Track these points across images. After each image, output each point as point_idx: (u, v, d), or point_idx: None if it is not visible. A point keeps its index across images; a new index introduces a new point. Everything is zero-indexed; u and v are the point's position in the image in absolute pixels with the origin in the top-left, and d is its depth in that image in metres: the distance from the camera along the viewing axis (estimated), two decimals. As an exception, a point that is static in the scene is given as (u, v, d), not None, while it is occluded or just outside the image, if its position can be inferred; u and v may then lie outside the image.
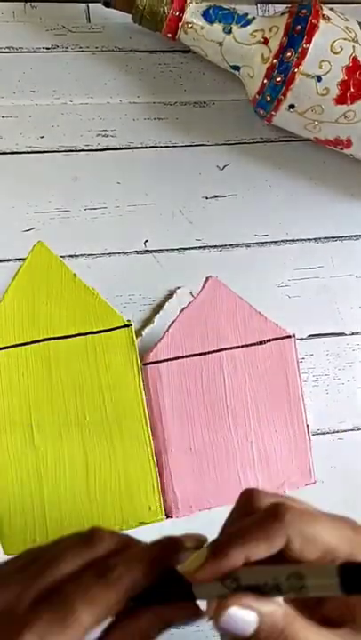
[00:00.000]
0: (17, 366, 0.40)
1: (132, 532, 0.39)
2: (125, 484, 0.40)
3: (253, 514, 0.25)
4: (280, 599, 0.24)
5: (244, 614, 0.23)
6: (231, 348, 0.42)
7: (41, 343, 0.40)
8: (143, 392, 0.41)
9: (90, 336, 0.41)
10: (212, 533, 0.27)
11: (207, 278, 0.43)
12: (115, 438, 0.41)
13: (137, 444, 0.41)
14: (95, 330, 0.41)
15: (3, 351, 0.40)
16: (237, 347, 0.43)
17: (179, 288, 0.45)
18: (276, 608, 0.23)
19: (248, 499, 0.26)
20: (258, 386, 0.43)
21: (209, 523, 0.28)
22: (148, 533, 0.41)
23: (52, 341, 0.40)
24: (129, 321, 0.42)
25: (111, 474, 0.40)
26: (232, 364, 0.42)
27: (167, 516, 0.41)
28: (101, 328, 0.41)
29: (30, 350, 0.40)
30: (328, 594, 0.24)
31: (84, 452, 0.40)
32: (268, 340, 0.43)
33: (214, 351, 0.42)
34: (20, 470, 0.39)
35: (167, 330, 0.42)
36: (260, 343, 0.43)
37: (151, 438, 0.41)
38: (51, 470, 0.40)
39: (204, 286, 0.43)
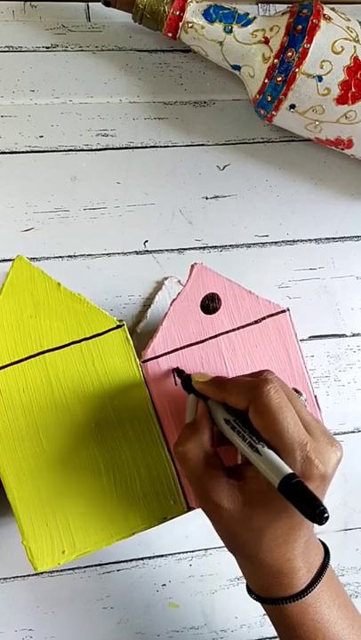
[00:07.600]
0: (16, 384, 0.39)
1: (156, 528, 0.39)
2: (146, 481, 0.40)
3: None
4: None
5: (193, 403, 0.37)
6: (228, 332, 0.41)
7: (37, 357, 0.40)
8: (147, 389, 0.41)
9: (84, 342, 0.40)
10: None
11: (192, 266, 0.42)
12: (126, 439, 0.40)
13: (149, 441, 0.40)
14: (88, 335, 0.40)
15: (0, 371, 0.39)
16: (234, 329, 0.42)
17: (166, 279, 0.44)
18: (205, 440, 0.35)
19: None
20: (260, 365, 0.42)
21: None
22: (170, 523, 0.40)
23: (48, 354, 0.40)
24: (121, 321, 0.41)
25: (129, 474, 0.40)
26: (231, 348, 0.42)
27: (188, 508, 0.40)
28: (94, 333, 0.40)
29: (27, 366, 0.40)
30: (267, 478, 0.31)
31: (98, 458, 0.40)
32: (263, 318, 0.42)
33: (211, 337, 0.42)
34: (37, 486, 0.39)
35: (161, 324, 0.41)
36: (256, 322, 0.42)
37: (162, 433, 0.41)
38: (68, 481, 0.39)
39: (190, 274, 0.42)
